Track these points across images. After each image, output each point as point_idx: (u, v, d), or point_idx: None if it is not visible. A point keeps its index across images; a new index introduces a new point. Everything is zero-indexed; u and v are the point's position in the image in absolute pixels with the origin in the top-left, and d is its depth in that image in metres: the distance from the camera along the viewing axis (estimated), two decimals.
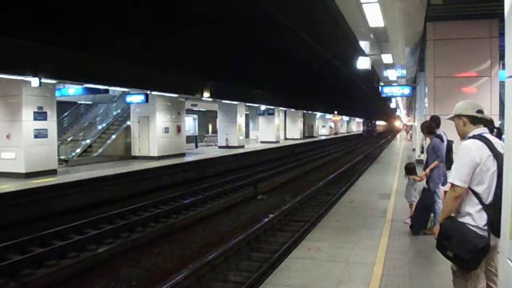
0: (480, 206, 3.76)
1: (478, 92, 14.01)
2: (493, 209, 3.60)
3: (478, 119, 4.02)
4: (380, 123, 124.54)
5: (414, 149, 26.62)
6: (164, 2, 16.38)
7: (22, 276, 8.99)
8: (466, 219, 3.82)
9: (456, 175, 3.81)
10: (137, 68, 17.81)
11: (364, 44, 17.34)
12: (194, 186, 18.64)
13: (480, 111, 4.04)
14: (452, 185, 3.82)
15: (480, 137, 3.86)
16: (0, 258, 9.73)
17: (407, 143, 42.80)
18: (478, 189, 3.77)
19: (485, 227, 3.72)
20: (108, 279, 9.21)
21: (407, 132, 56.94)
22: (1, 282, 8.58)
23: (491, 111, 11.94)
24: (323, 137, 57.28)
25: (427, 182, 8.31)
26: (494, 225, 3.60)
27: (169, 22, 17.08)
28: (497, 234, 3.52)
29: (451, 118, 4.23)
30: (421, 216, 8.52)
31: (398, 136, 70.17)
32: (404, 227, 9.23)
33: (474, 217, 3.77)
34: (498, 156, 3.70)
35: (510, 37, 2.67)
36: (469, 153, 3.79)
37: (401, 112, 74.46)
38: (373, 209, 11.34)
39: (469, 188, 3.79)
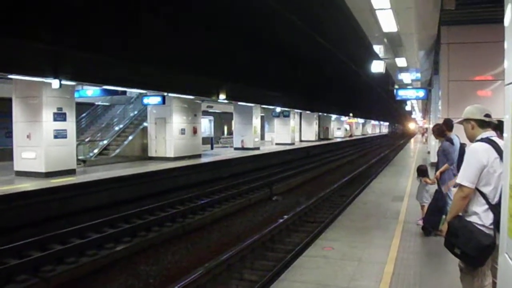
0: (486, 206, 3.91)
1: (493, 95, 14.06)
2: (499, 209, 3.76)
3: (486, 123, 4.16)
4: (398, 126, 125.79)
5: (429, 152, 26.57)
6: (180, 5, 16.56)
7: (43, 272, 9.21)
8: (473, 218, 3.97)
9: (464, 176, 3.95)
10: (154, 70, 18.04)
11: (378, 48, 17.44)
12: (210, 187, 18.81)
13: (488, 115, 4.17)
14: (460, 185, 3.95)
15: (487, 140, 4.01)
16: (22, 254, 10.01)
17: (422, 146, 42.63)
18: (485, 189, 3.91)
19: (491, 226, 3.87)
20: (126, 276, 9.43)
21: (423, 135, 56.62)
22: (24, 278, 8.84)
23: (505, 114, 12.00)
24: (338, 139, 57.22)
25: (438, 184, 8.43)
26: (499, 224, 3.76)
27: (184, 24, 17.28)
28: None
29: (460, 122, 4.40)
30: (433, 218, 8.59)
31: (412, 140, 69.28)
32: (416, 228, 9.35)
33: (481, 216, 3.92)
34: None
35: (510, 44, 2.82)
36: (477, 155, 3.93)
37: (417, 114, 74.18)
38: (386, 210, 11.44)
39: (477, 188, 3.93)
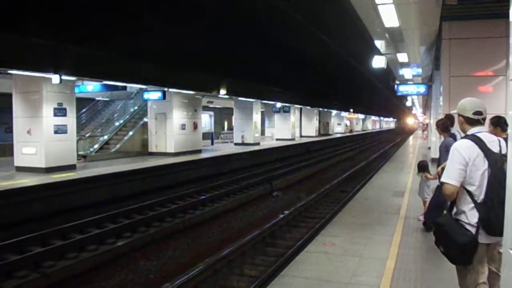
0: (472, 205, 3.89)
1: (494, 91, 14.03)
2: (484, 208, 3.76)
3: (474, 121, 4.11)
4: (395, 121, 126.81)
5: (429, 148, 26.56)
6: (180, 1, 16.53)
7: (44, 267, 9.21)
8: (461, 217, 3.97)
9: (447, 174, 3.94)
10: (155, 65, 18.01)
11: (379, 44, 17.41)
12: (210, 182, 18.81)
13: (478, 113, 4.09)
14: (443, 183, 3.94)
15: (472, 137, 3.98)
16: (23, 250, 10.01)
17: (422, 142, 42.60)
18: (470, 188, 3.89)
19: (476, 224, 3.86)
20: (127, 271, 9.42)
21: (423, 131, 56.56)
22: (24, 273, 8.83)
23: (506, 110, 11.99)
24: (338, 135, 57.21)
25: (439, 180, 8.40)
26: (484, 222, 3.76)
27: (184, 21, 17.24)
28: (490, 232, 3.71)
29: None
30: (434, 213, 8.59)
31: (412, 136, 68.88)
32: (417, 223, 9.35)
33: (468, 214, 3.91)
34: (489, 155, 3.83)
35: None
36: (459, 153, 3.91)
37: (417, 110, 74.11)
38: (387, 206, 11.44)
39: (463, 187, 3.92)
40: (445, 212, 8.26)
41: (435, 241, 4.19)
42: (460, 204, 3.99)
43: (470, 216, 3.89)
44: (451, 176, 3.90)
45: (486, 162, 3.81)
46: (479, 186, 3.85)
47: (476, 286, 4.03)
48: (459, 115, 4.22)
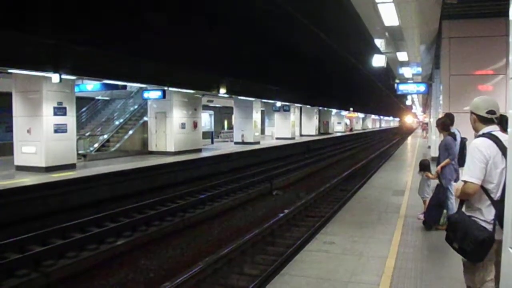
0: (489, 202, 3.87)
1: (494, 89, 14.04)
2: (501, 205, 3.72)
3: (488, 119, 4.08)
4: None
5: (429, 147, 26.53)
6: (180, 1, 16.54)
7: (44, 266, 9.22)
8: (476, 214, 3.93)
9: (469, 173, 3.88)
10: (155, 65, 18.01)
11: (379, 42, 17.38)
12: (210, 181, 18.80)
13: (491, 112, 4.06)
14: (466, 182, 3.88)
15: (489, 135, 3.95)
16: (23, 249, 10.01)
17: (422, 141, 42.56)
18: (488, 186, 3.87)
19: (492, 221, 3.84)
20: (127, 270, 9.43)
21: (423, 130, 56.49)
22: (24, 272, 8.83)
23: (506, 109, 11.98)
24: (338, 134, 57.17)
25: (439, 179, 8.41)
26: (502, 219, 3.73)
27: (185, 21, 17.25)
28: None
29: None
30: (434, 212, 8.62)
31: (411, 135, 68.62)
32: (417, 222, 9.34)
33: (483, 212, 3.89)
34: (507, 154, 3.80)
35: None
36: (479, 151, 3.87)
37: (417, 109, 74.02)
38: (387, 205, 11.43)
39: (481, 185, 3.88)
40: (445, 211, 8.32)
41: (447, 237, 4.14)
42: (475, 202, 3.96)
43: (486, 213, 3.88)
44: (473, 175, 3.86)
45: (504, 161, 3.77)
46: (497, 184, 3.85)
47: (483, 284, 4.02)
48: (472, 113, 4.19)
